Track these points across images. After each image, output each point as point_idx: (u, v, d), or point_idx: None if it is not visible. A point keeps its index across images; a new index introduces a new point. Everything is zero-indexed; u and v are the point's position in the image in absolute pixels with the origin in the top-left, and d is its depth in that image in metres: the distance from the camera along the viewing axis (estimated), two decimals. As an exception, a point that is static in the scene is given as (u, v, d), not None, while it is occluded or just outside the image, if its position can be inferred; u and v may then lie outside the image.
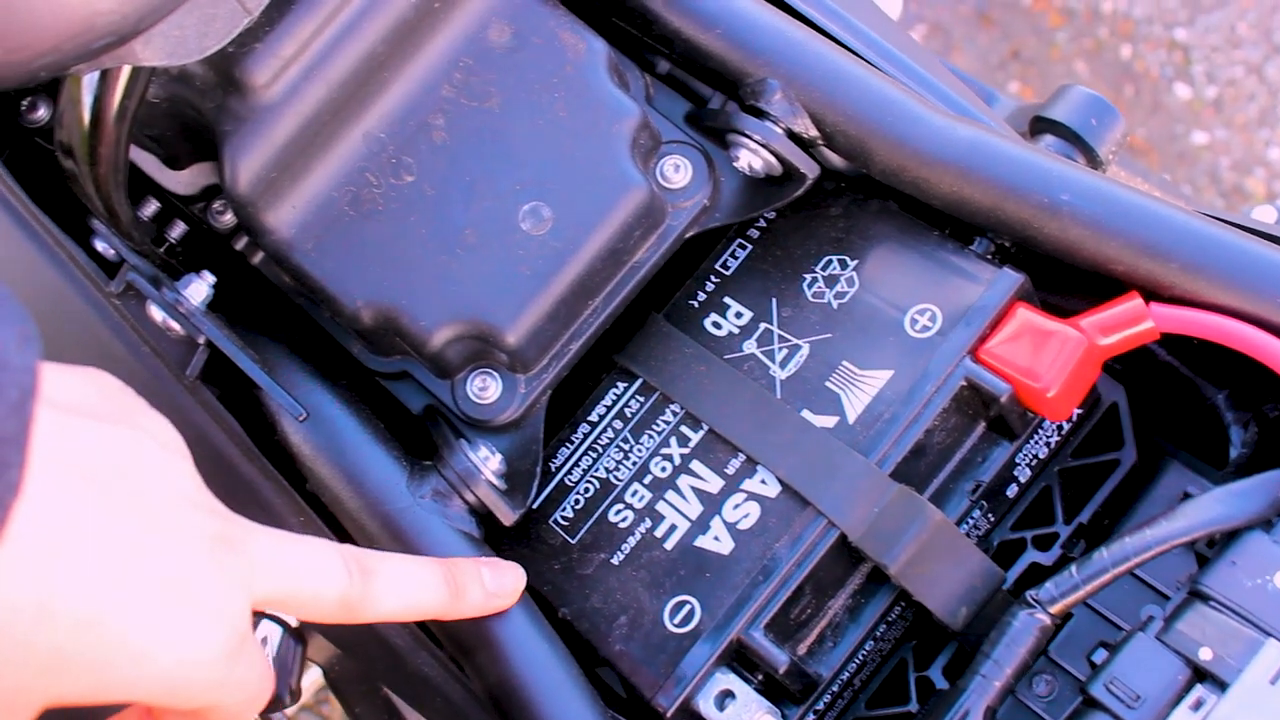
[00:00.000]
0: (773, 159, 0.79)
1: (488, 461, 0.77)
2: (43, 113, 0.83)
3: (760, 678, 0.74)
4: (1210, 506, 0.71)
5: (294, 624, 0.88)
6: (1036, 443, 0.78)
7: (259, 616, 0.89)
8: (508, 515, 0.77)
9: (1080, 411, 0.80)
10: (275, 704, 0.84)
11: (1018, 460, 0.78)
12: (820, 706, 0.76)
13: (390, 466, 0.76)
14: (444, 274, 0.77)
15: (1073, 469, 0.80)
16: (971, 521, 0.78)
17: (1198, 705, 0.68)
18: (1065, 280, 0.78)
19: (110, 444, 0.53)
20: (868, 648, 0.77)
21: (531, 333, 0.77)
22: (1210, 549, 0.73)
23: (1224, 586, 0.70)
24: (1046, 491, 0.80)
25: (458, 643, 0.74)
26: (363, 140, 0.78)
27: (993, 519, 0.79)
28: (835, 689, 0.76)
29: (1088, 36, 2.33)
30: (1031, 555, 0.79)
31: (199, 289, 0.77)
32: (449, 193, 0.78)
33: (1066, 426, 0.80)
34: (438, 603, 0.68)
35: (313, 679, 1.46)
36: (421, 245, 0.77)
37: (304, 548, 0.61)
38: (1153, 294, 0.74)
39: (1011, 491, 0.79)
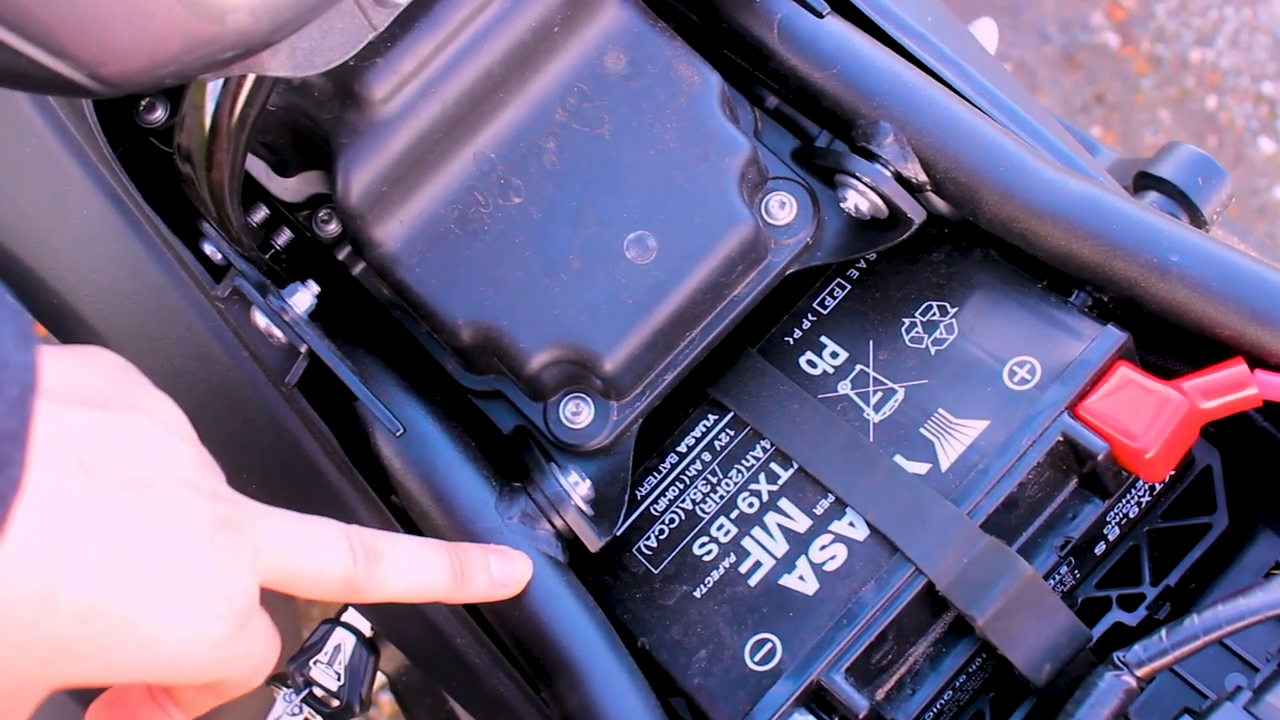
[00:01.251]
0: (880, 202, 0.79)
1: (577, 487, 0.77)
2: (160, 114, 0.84)
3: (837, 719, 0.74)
4: (1305, 582, 0.70)
5: (367, 634, 0.89)
6: (1128, 502, 0.78)
7: (332, 624, 0.89)
8: (594, 542, 0.77)
9: (1174, 473, 0.79)
10: (346, 711, 0.85)
11: (1108, 519, 0.77)
12: (894, 754, 0.76)
13: (481, 487, 0.76)
14: (546, 297, 0.77)
15: (1162, 530, 0.80)
16: (1058, 577, 0.77)
17: (1282, 781, 0.68)
18: (1167, 341, 0.77)
19: (109, 432, 0.54)
20: (946, 697, 0.76)
21: (628, 361, 0.77)
22: (1304, 623, 0.72)
23: (1316, 665, 0.69)
24: (1134, 551, 0.80)
25: (539, 666, 0.74)
26: (474, 160, 0.78)
27: (1078, 575, 0.78)
28: (911, 738, 0.76)
29: (1173, 85, 2.31)
30: (1116, 615, 0.78)
31: (304, 298, 0.77)
32: (556, 216, 0.78)
33: (1159, 487, 0.79)
34: (442, 586, 0.68)
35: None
36: (525, 267, 0.77)
37: (309, 529, 0.61)
38: (1258, 360, 0.73)
39: (1100, 549, 0.78)
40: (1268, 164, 2.27)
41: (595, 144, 0.79)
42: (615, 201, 0.78)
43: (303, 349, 0.77)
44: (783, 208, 0.80)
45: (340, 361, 0.76)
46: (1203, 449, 0.81)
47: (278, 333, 0.77)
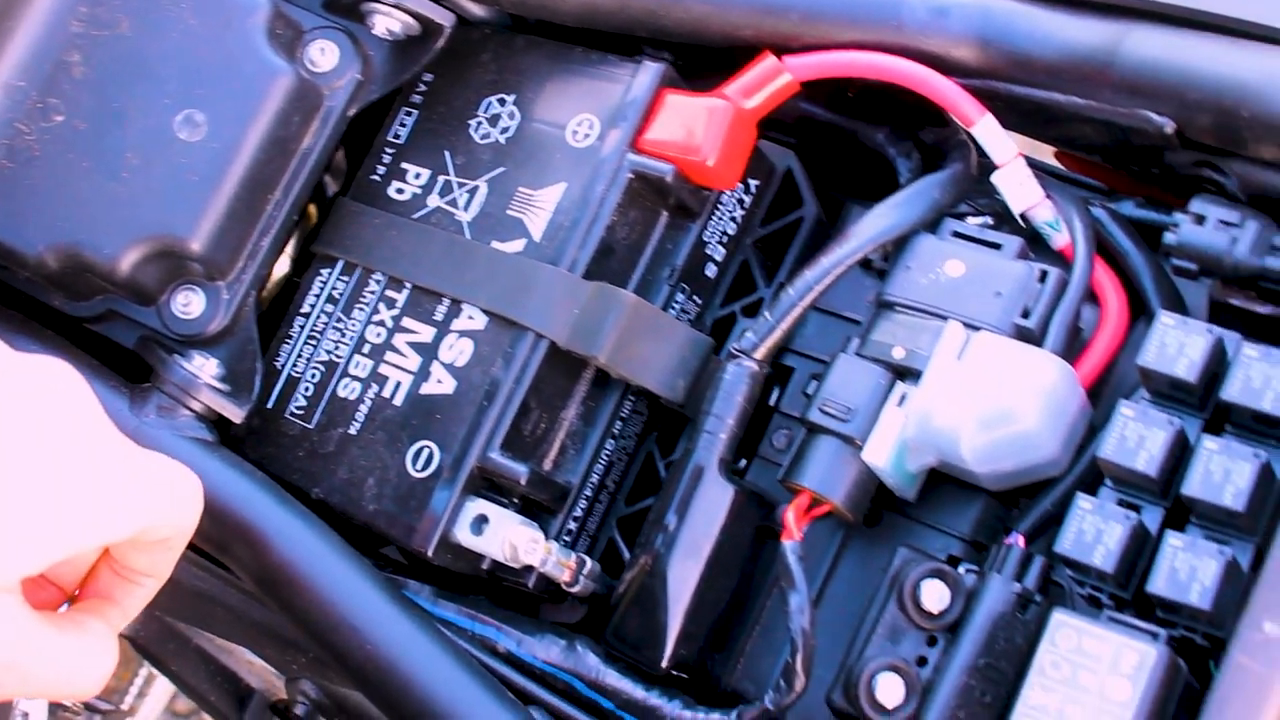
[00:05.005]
0: (408, 18, 0.81)
1: (204, 368, 0.78)
2: None
3: (517, 500, 0.77)
4: (875, 222, 0.75)
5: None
6: (722, 219, 0.82)
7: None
8: (236, 413, 0.78)
9: (758, 183, 0.83)
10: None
11: (707, 240, 0.81)
12: (579, 513, 0.79)
13: (109, 396, 0.77)
14: (114, 200, 0.78)
15: (764, 237, 0.84)
16: (679, 306, 0.81)
17: (901, 400, 0.72)
18: (711, 63, 0.81)
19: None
20: (610, 448, 0.80)
21: (215, 236, 0.78)
22: (886, 263, 0.77)
23: (903, 290, 0.74)
24: (745, 265, 0.84)
25: (212, 542, 0.75)
26: (4, 93, 0.78)
27: (700, 301, 0.82)
28: (589, 494, 0.79)
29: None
30: (744, 324, 0.82)
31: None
32: (101, 123, 0.79)
33: (749, 201, 0.83)
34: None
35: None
36: (86, 179, 0.78)
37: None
38: (784, 49, 0.78)
39: (711, 271, 0.82)
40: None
41: (118, 44, 0.79)
42: (153, 91, 0.79)
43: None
44: (323, 54, 0.82)
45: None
46: (780, 154, 0.85)
47: None
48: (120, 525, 0.61)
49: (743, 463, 0.80)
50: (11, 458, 0.57)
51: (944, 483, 0.74)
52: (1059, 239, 0.74)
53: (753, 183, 0.83)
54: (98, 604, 0.66)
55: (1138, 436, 0.66)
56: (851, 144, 0.83)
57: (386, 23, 0.81)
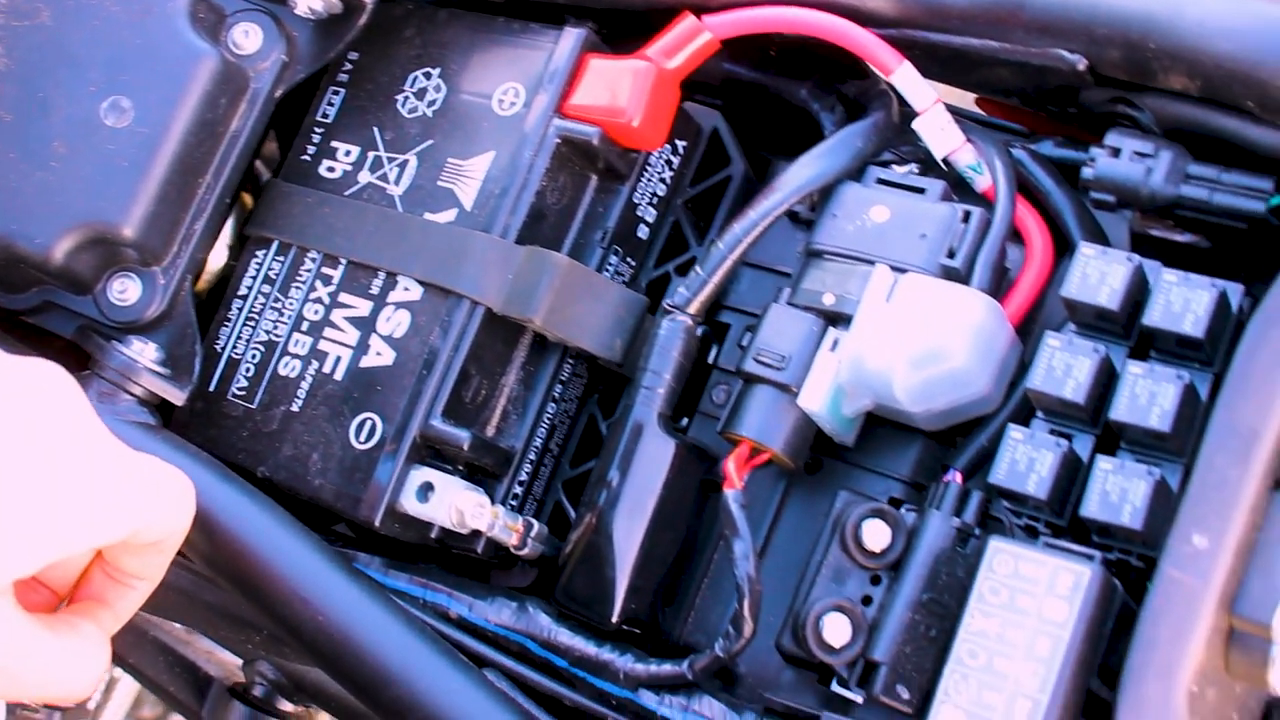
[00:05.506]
0: (329, -4, 0.82)
1: (143, 353, 0.79)
2: None
3: (462, 467, 0.78)
4: (799, 173, 0.76)
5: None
6: (651, 181, 0.83)
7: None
8: (178, 396, 0.79)
9: (686, 144, 0.84)
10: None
11: (637, 201, 0.82)
12: (524, 477, 0.80)
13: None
14: (44, 190, 0.78)
15: (694, 197, 0.85)
16: (613, 268, 0.81)
17: (834, 345, 0.73)
18: (633, 27, 0.82)
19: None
20: (552, 411, 0.80)
21: (148, 221, 0.79)
22: (814, 213, 0.78)
23: (830, 238, 0.75)
24: (677, 225, 0.84)
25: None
26: (-73, 90, 0.79)
27: (634, 263, 0.83)
28: (533, 458, 0.80)
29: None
30: (679, 283, 0.83)
31: None
32: (27, 113, 0.79)
33: (678, 162, 0.84)
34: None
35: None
36: (14, 170, 0.78)
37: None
38: (704, 9, 0.78)
39: (643, 233, 0.83)
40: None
41: (39, 33, 0.80)
42: (78, 79, 0.79)
43: None
44: (247, 36, 0.83)
45: None
46: (707, 115, 0.86)
47: None
48: (112, 527, 0.61)
49: (685, 422, 0.81)
50: (3, 460, 0.57)
51: (882, 426, 0.75)
52: (981, 181, 0.76)
53: (680, 144, 0.84)
54: (90, 606, 0.67)
55: (1064, 366, 0.67)
56: (777, 102, 0.84)
57: (309, 2, 0.82)
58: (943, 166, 0.77)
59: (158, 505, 0.64)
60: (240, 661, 0.90)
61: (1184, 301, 0.66)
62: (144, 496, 0.63)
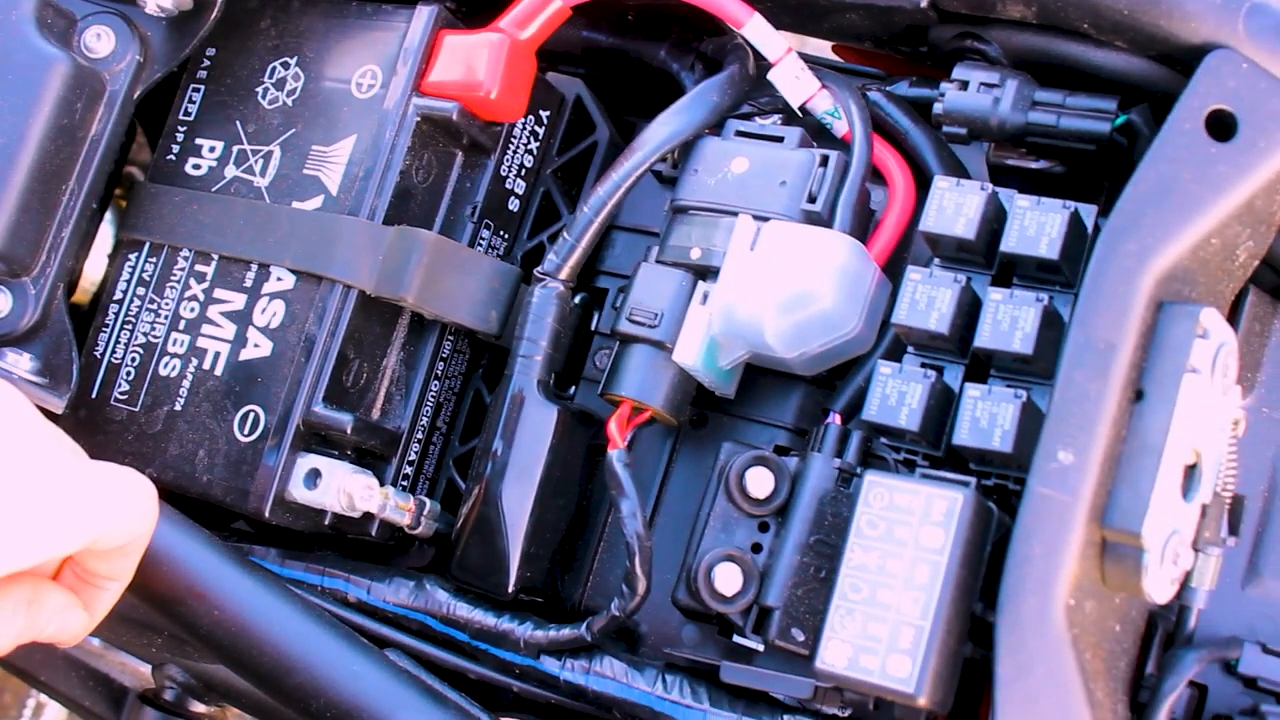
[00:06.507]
0: (177, -9, 0.81)
1: (18, 364, 0.78)
2: None
3: (350, 453, 0.78)
4: (657, 131, 0.77)
5: None
6: (517, 153, 0.83)
7: None
8: (56, 404, 0.78)
9: (550, 115, 0.84)
10: None
11: (505, 174, 0.82)
12: (413, 457, 0.80)
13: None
14: (-98, 209, 0.77)
15: (563, 166, 0.85)
16: (485, 242, 0.82)
17: (705, 298, 0.74)
18: (487, 2, 0.82)
19: None
20: (436, 389, 0.80)
21: (12, 232, 0.78)
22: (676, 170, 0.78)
23: (693, 192, 0.76)
24: (548, 195, 0.85)
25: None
26: None
27: (507, 235, 0.83)
28: (421, 437, 0.80)
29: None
30: (549, 250, 0.83)
31: None
32: (-121, 133, 0.78)
33: (543, 133, 0.84)
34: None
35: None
36: None
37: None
38: (555, -21, 0.79)
39: (514, 205, 0.83)
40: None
41: (-115, 52, 0.79)
42: (-72, 95, 0.78)
43: None
44: (99, 39, 0.82)
45: None
46: (569, 84, 0.86)
47: None
48: (69, 538, 0.61)
49: (573, 390, 0.81)
50: None
51: (763, 376, 0.76)
52: (840, 126, 0.76)
53: (544, 114, 0.84)
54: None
55: (927, 299, 0.68)
56: (638, 66, 0.85)
57: (158, 0, 0.81)
58: (801, 115, 0.78)
59: (117, 513, 0.63)
60: (149, 666, 0.89)
61: (1038, 225, 0.67)
62: (101, 505, 0.62)
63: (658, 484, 0.78)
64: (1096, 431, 0.61)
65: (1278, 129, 0.65)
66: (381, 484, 0.76)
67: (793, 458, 0.70)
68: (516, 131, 0.82)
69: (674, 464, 0.78)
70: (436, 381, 0.80)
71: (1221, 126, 0.65)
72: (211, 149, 0.83)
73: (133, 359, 0.82)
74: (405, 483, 0.79)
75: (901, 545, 0.64)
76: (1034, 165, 0.74)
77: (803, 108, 0.77)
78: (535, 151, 0.84)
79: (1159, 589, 0.62)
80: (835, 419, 0.71)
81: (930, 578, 0.63)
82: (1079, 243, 0.68)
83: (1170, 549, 0.62)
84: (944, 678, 0.63)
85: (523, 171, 0.83)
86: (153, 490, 0.65)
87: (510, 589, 0.75)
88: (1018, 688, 0.60)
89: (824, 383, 0.76)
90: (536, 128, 0.83)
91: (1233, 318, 0.70)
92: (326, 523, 0.77)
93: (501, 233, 0.82)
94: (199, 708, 0.85)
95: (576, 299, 0.79)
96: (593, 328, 0.82)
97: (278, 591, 0.73)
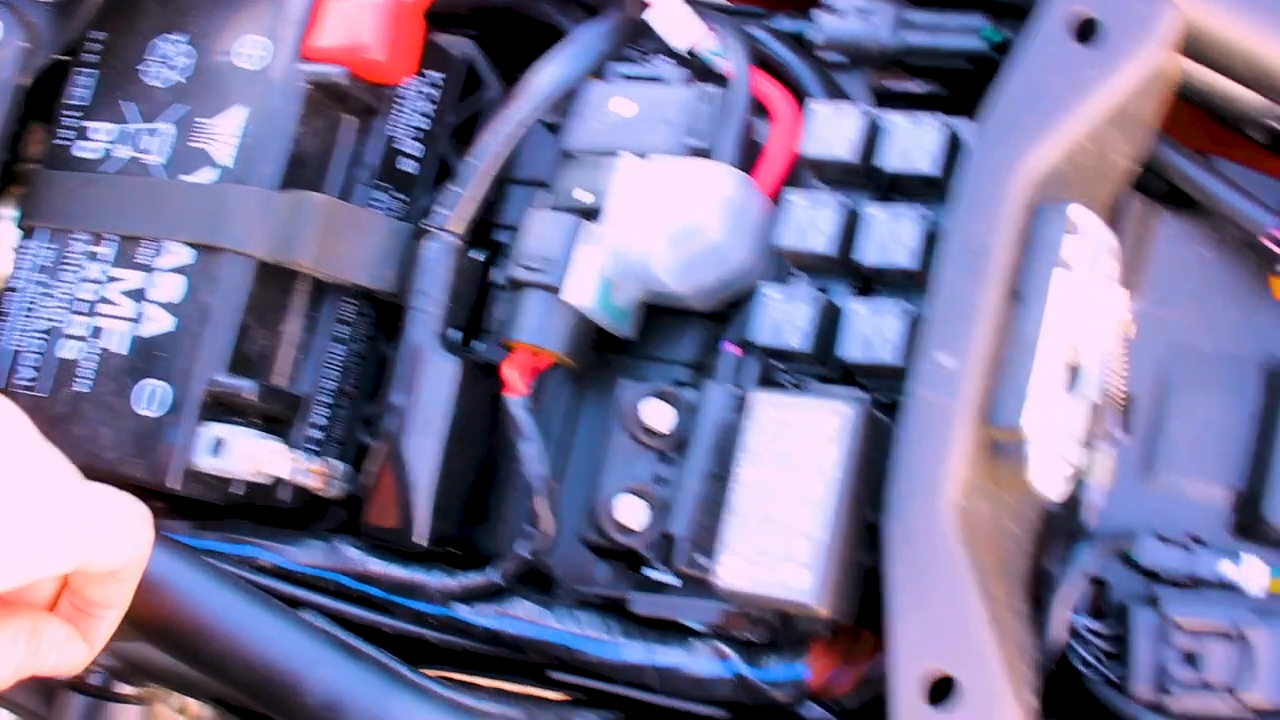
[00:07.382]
0: (62, -24, 0.82)
1: (-85, 356, 0.78)
2: None
3: (257, 421, 0.78)
4: (540, 79, 0.77)
5: None
6: (409, 115, 0.83)
7: None
8: (-40, 394, 0.78)
9: (443, 76, 0.85)
10: None
11: (398, 136, 0.82)
12: (322, 421, 0.80)
13: None
14: None
15: (458, 127, 0.85)
16: (384, 205, 0.82)
17: (594, 240, 0.74)
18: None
19: None
20: (340, 352, 0.81)
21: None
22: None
23: (578, 138, 0.76)
24: (445, 157, 0.85)
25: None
26: None
27: (406, 198, 0.83)
28: (328, 400, 0.80)
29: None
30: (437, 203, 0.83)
31: None
32: None
33: (436, 94, 0.84)
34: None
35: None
36: None
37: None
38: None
39: (410, 167, 0.83)
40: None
41: None
42: None
43: None
44: (-16, 28, 0.82)
45: None
46: (460, 44, 0.86)
47: None
48: (61, 557, 0.59)
49: (476, 345, 0.82)
50: None
51: (662, 315, 0.77)
52: (724, 64, 0.77)
53: (436, 75, 0.84)
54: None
55: (809, 220, 0.69)
56: (528, 22, 0.85)
57: (40, -12, 0.82)
58: (687, 57, 0.78)
59: (109, 535, 0.62)
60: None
61: (916, 142, 0.68)
62: (93, 527, 0.61)
63: (568, 432, 0.78)
64: (974, 334, 0.62)
65: (1142, 31, 0.65)
66: (289, 449, 0.76)
67: (691, 389, 0.71)
68: (407, 93, 0.83)
69: (581, 411, 0.78)
70: (340, 345, 0.80)
71: (1086, 29, 0.65)
72: (104, 132, 0.84)
73: (36, 346, 0.82)
74: (314, 447, 0.79)
75: (793, 460, 0.64)
76: (917, 89, 0.74)
77: (690, 51, 0.77)
78: (429, 114, 0.84)
79: (1048, 484, 0.63)
80: (729, 347, 0.71)
81: (824, 491, 0.63)
82: (958, 158, 0.68)
83: (1058, 444, 0.62)
84: (844, 587, 0.63)
85: (417, 134, 0.83)
86: (148, 514, 0.64)
87: (421, 542, 0.75)
88: (910, 588, 0.60)
89: (722, 317, 0.76)
90: (429, 89, 0.84)
91: (1117, 223, 0.71)
92: (239, 492, 0.77)
93: (399, 195, 0.83)
94: (126, 689, 0.85)
95: (475, 254, 0.79)
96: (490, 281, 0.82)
97: (189, 560, 0.73)
